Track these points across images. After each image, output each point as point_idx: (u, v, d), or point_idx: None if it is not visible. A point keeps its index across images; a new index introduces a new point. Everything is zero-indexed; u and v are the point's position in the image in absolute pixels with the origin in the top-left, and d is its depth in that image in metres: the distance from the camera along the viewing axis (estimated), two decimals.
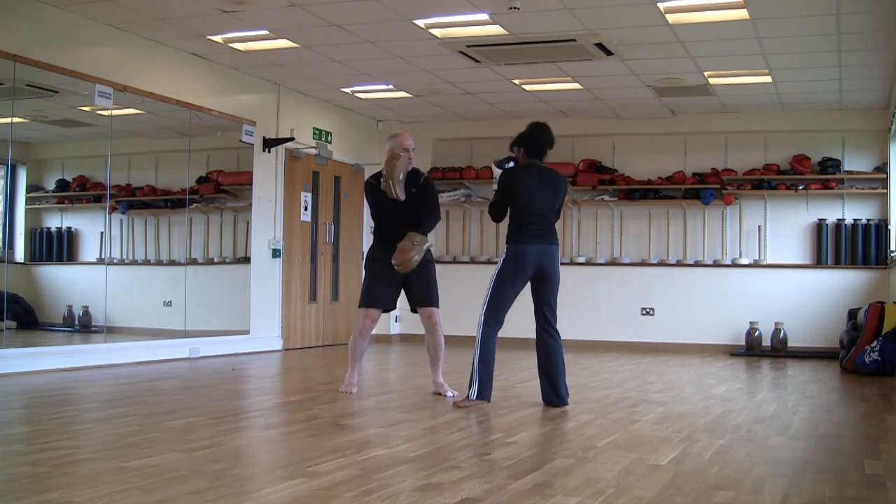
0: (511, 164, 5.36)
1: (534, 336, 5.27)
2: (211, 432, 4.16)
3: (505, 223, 5.34)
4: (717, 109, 10.07)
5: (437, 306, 5.68)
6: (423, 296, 5.65)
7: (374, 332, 5.84)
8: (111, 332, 7.86)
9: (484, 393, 5.07)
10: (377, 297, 5.65)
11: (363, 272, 6.01)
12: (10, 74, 6.60)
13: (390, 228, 5.59)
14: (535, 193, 5.17)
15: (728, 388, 6.47)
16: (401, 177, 5.48)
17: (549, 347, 5.19)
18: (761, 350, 9.75)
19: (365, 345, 5.79)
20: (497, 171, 5.38)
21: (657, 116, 10.41)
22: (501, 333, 5.18)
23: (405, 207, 5.54)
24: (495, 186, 5.33)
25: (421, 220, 5.59)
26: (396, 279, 5.64)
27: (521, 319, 5.93)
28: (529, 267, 5.13)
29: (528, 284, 5.24)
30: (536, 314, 5.25)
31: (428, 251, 5.66)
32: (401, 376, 7.46)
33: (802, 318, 9.79)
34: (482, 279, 10.42)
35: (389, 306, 5.74)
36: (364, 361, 7.74)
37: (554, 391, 5.18)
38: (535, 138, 5.26)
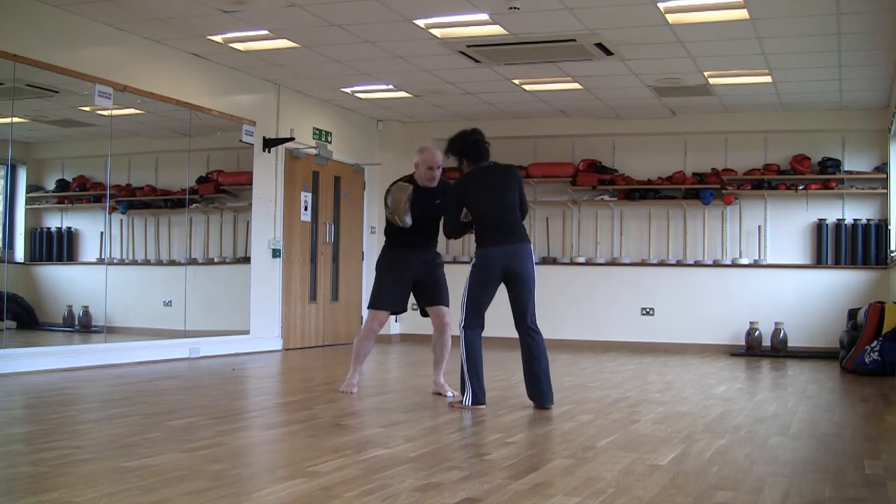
0: None
1: None
2: (211, 432, 4.16)
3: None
4: (717, 109, 10.07)
5: (449, 307, 5.69)
6: (437, 296, 5.66)
7: None
8: (111, 332, 7.86)
9: (479, 398, 5.07)
10: (387, 299, 5.64)
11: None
12: (10, 74, 6.60)
13: (407, 236, 5.59)
14: (486, 196, 5.14)
15: (728, 388, 6.46)
16: (406, 206, 5.48)
17: (530, 350, 5.13)
18: (761, 350, 9.75)
19: (370, 346, 5.78)
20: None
21: (657, 116, 10.41)
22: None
23: (425, 218, 5.54)
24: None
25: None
26: (407, 282, 5.64)
27: None
28: (497, 269, 5.09)
29: (504, 286, 5.19)
30: (514, 316, 5.19)
31: (438, 255, 5.74)
32: (401, 376, 7.46)
33: (802, 318, 9.80)
34: None
35: (399, 309, 5.74)
36: (365, 362, 7.74)
37: (539, 392, 5.13)
38: (474, 143, 5.20)
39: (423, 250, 5.64)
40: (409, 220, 5.48)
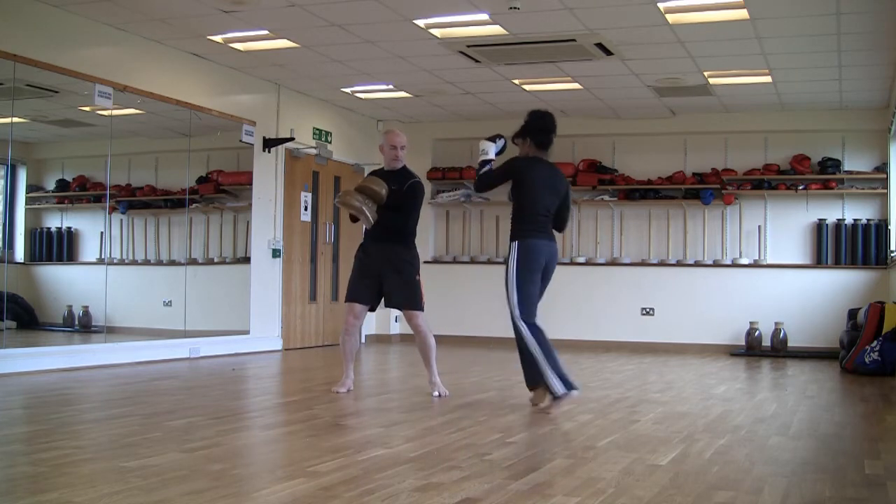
0: (501, 141, 5.31)
1: None
2: (211, 432, 4.16)
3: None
4: (717, 109, 10.07)
5: (416, 309, 5.62)
6: (399, 298, 5.66)
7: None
8: (111, 332, 7.85)
9: (570, 384, 4.89)
10: (355, 292, 5.70)
11: None
12: (10, 74, 6.60)
13: (370, 228, 5.64)
14: (545, 190, 5.12)
15: (728, 388, 6.47)
16: (373, 208, 5.53)
17: (544, 341, 5.09)
18: (761, 350, 9.75)
19: (353, 341, 5.78)
20: (488, 146, 5.25)
21: (657, 116, 10.41)
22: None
23: (387, 212, 5.57)
24: (482, 157, 5.23)
25: (398, 211, 5.62)
26: (374, 278, 5.66)
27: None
28: (541, 262, 5.09)
29: None
30: None
31: (408, 252, 5.67)
32: (401, 376, 7.46)
33: (802, 318, 9.79)
34: (482, 279, 10.46)
35: (370, 303, 5.74)
36: (364, 361, 7.73)
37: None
38: (544, 128, 5.18)
39: (385, 242, 5.62)
40: (372, 220, 5.51)
